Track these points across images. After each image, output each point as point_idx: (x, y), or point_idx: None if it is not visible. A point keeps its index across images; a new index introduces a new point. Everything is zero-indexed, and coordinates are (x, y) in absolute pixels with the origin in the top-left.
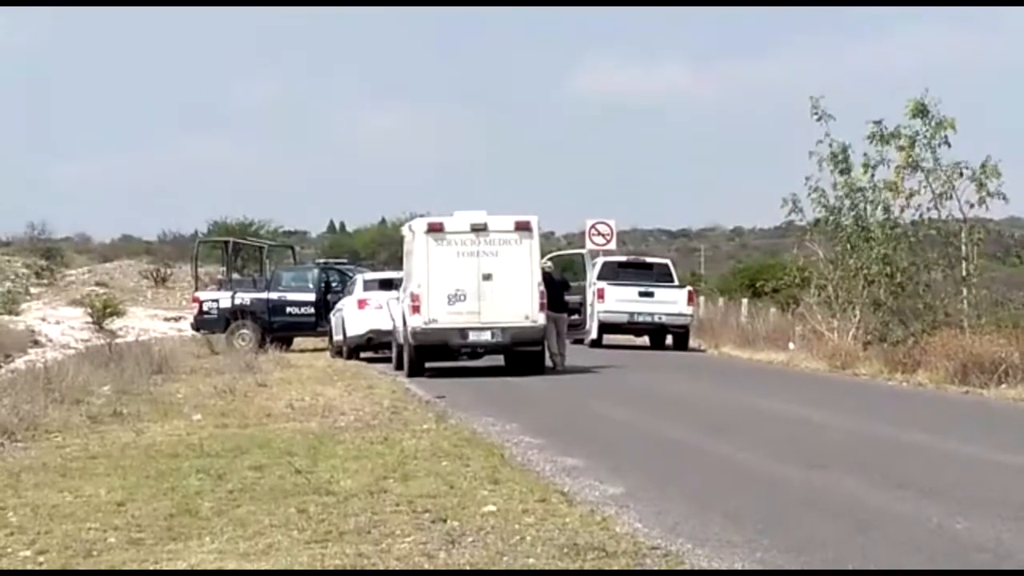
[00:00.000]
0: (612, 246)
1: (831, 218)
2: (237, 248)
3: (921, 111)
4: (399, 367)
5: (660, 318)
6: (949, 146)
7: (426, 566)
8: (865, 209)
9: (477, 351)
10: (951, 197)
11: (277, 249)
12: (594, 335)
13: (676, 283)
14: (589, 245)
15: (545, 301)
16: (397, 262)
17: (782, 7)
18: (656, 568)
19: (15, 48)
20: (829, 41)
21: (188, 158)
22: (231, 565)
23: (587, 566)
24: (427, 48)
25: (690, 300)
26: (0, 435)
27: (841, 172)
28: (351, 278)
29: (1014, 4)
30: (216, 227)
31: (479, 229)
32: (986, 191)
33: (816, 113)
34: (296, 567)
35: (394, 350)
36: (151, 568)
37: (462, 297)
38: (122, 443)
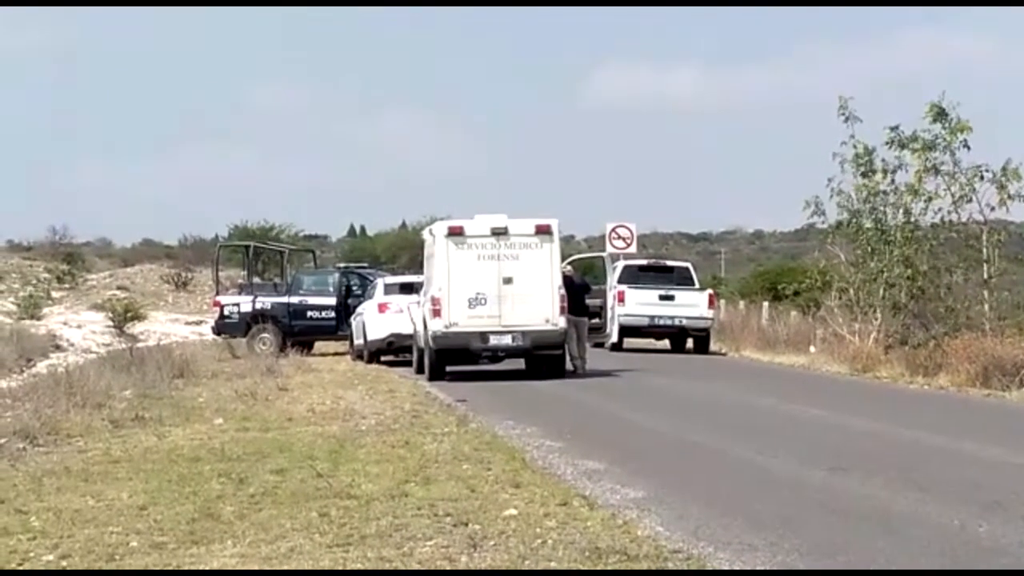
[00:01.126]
0: (632, 249)
1: (852, 221)
2: (258, 252)
3: (940, 114)
4: (420, 371)
5: (681, 321)
6: (968, 149)
7: (448, 570)
8: (885, 212)
9: (498, 355)
10: (971, 200)
11: (298, 253)
12: (615, 338)
13: (697, 286)
14: (609, 248)
15: (566, 304)
16: (417, 266)
17: (803, 7)
18: (677, 570)
19: (36, 54)
20: (849, 44)
21: (209, 163)
22: (253, 568)
23: (609, 570)
24: (447, 53)
25: (711, 303)
26: (22, 439)
27: (864, 175)
28: (371, 282)
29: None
30: (237, 231)
31: (499, 233)
32: (1007, 194)
33: (843, 114)
34: (319, 571)
35: (415, 354)
36: (173, 570)
37: (483, 301)
38: (144, 447)
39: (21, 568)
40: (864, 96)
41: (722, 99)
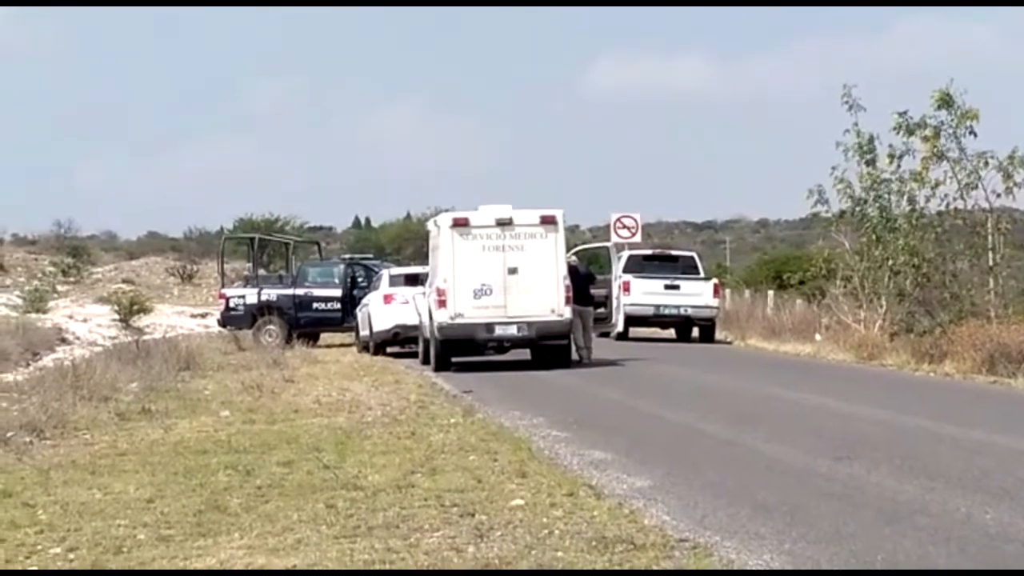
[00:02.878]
0: (637, 239)
1: (857, 209)
2: (263, 244)
3: (946, 102)
4: (425, 362)
5: (686, 310)
6: (975, 136)
7: (455, 560)
8: (890, 200)
9: (503, 345)
10: (977, 187)
11: (303, 245)
12: (620, 328)
13: (702, 275)
14: (614, 238)
15: (571, 295)
16: (423, 257)
17: None
18: (685, 561)
19: (41, 48)
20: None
21: (213, 156)
22: (260, 561)
23: (615, 559)
24: (450, 46)
25: (716, 292)
26: (29, 433)
27: (867, 163)
28: (377, 273)
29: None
30: (242, 223)
31: (504, 223)
32: (1012, 181)
33: (847, 102)
34: (325, 562)
35: (420, 345)
36: (181, 566)
37: (488, 291)
38: (150, 440)
39: (28, 561)
40: (868, 85)
41: (726, 88)
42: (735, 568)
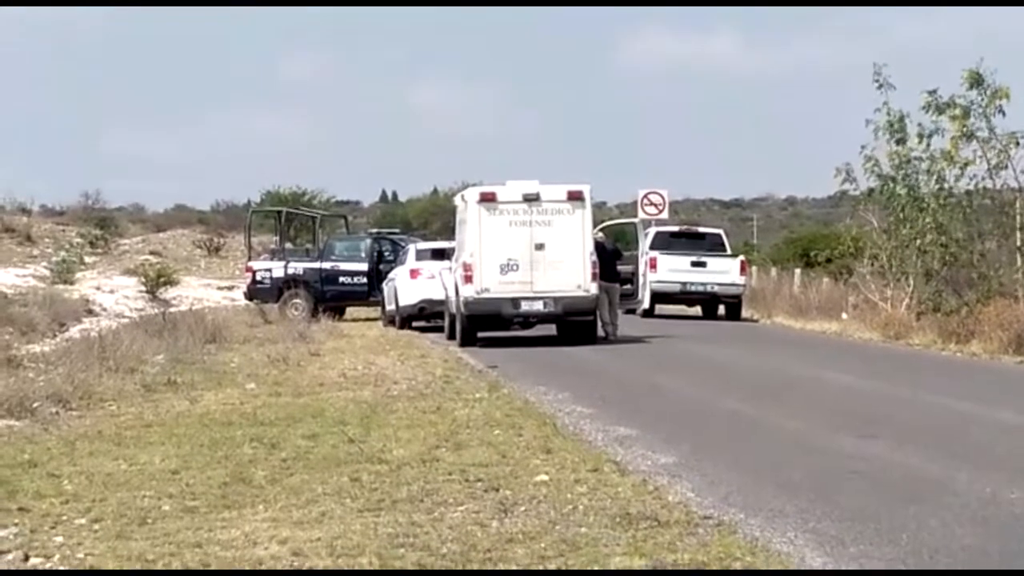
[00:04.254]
0: (664, 215)
1: (885, 188)
2: (290, 218)
3: (976, 80)
4: (451, 337)
5: (712, 288)
6: (1004, 115)
7: (479, 535)
8: (918, 179)
9: (529, 321)
10: (1006, 167)
11: (329, 219)
12: (646, 305)
13: (729, 253)
14: (641, 215)
15: (597, 271)
16: (449, 232)
17: None
18: (708, 538)
19: (70, 20)
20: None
21: (241, 129)
22: (284, 533)
23: (639, 535)
24: (480, 19)
25: (743, 270)
26: (55, 403)
27: (897, 141)
28: (403, 248)
29: None
30: (269, 197)
31: (531, 199)
32: None
33: (877, 80)
34: (349, 535)
35: (446, 320)
36: (205, 537)
37: (514, 267)
38: (176, 412)
39: (53, 531)
40: (899, 64)
41: (755, 65)
42: (760, 546)
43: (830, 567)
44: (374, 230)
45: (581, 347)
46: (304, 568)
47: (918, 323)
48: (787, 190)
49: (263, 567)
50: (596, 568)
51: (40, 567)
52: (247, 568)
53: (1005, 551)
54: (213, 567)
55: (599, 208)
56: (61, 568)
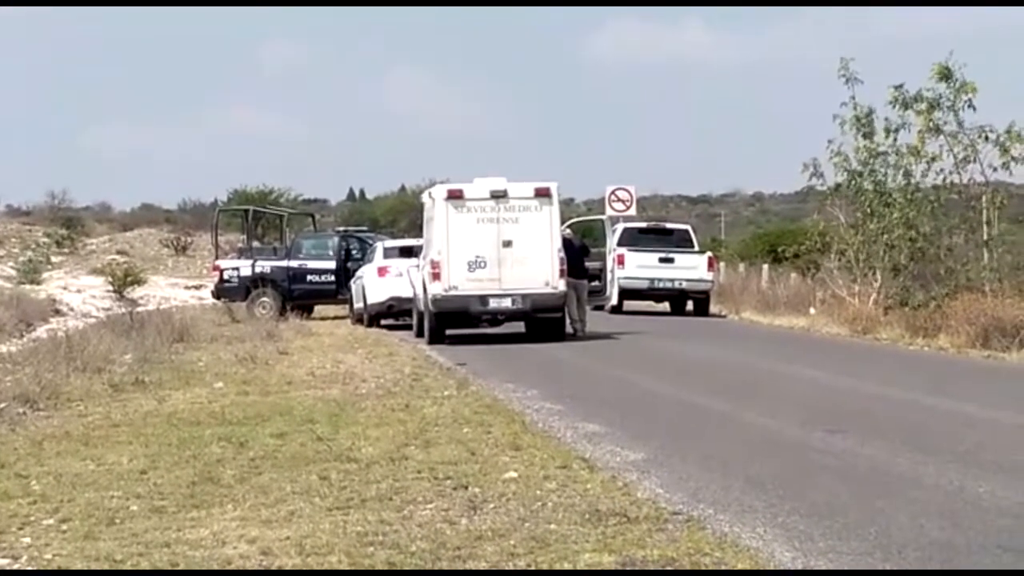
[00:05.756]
0: (632, 212)
1: (852, 183)
2: (257, 216)
3: (945, 75)
4: (419, 334)
5: (680, 284)
6: (974, 110)
7: (448, 533)
8: (886, 174)
9: (497, 318)
10: (974, 161)
11: (297, 217)
12: (614, 301)
13: (696, 249)
14: (609, 211)
15: (565, 267)
16: (417, 229)
17: None
18: (678, 534)
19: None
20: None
21: (208, 127)
22: (253, 532)
23: (609, 532)
24: (447, 14)
25: (710, 266)
26: (22, 404)
27: (864, 136)
28: (371, 246)
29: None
30: (236, 195)
31: (499, 196)
32: (1010, 156)
33: (844, 75)
34: (318, 534)
35: (414, 317)
36: (174, 537)
37: (482, 264)
38: (144, 411)
39: (21, 531)
40: (866, 58)
41: (722, 61)
42: (729, 541)
43: (799, 562)
44: (342, 228)
45: (549, 344)
46: (273, 568)
47: (885, 318)
48: (754, 186)
49: (232, 566)
50: (566, 566)
51: (7, 568)
52: (216, 568)
53: (973, 545)
54: (182, 567)
55: (567, 205)
56: (29, 569)
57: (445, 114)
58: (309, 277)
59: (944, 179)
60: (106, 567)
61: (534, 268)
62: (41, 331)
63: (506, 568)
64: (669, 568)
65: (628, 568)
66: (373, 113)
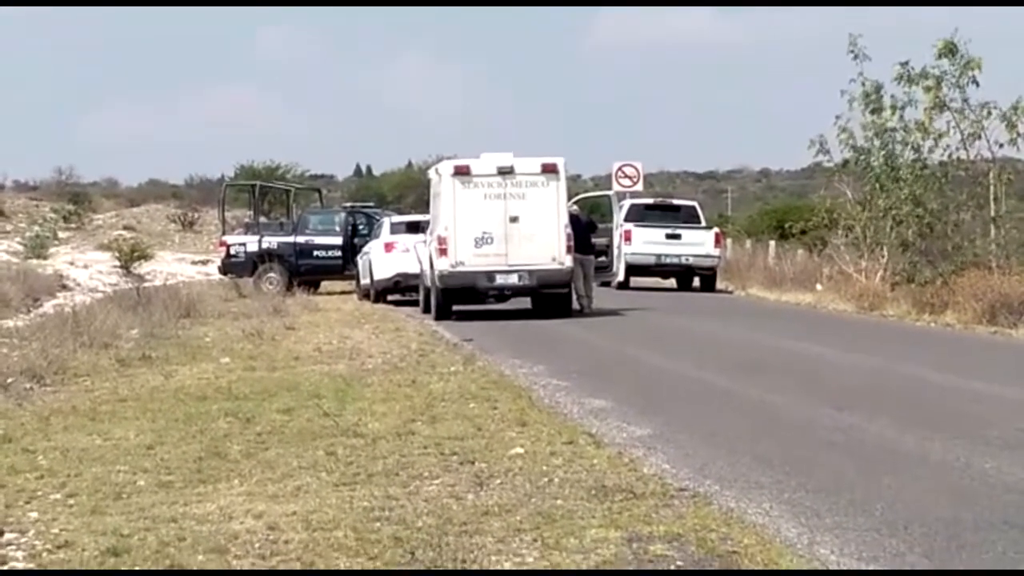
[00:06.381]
0: (639, 188)
1: (860, 158)
2: (264, 192)
3: (950, 50)
4: (426, 310)
5: (687, 260)
6: (978, 86)
7: (454, 508)
8: (894, 149)
9: (504, 294)
10: (980, 137)
11: (304, 193)
12: (621, 277)
13: (703, 225)
14: (616, 187)
15: (572, 243)
16: (424, 205)
17: None
18: (684, 509)
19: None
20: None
21: (216, 104)
22: (260, 507)
23: (615, 507)
24: None
25: (717, 242)
26: (29, 379)
27: (872, 112)
28: (378, 221)
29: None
30: (243, 171)
31: (506, 172)
32: (1016, 132)
33: (852, 51)
34: (325, 508)
35: (421, 293)
36: (181, 512)
37: (489, 240)
38: (151, 386)
39: (28, 506)
40: (876, 35)
41: (729, 37)
42: (735, 517)
43: (805, 537)
44: (348, 204)
45: (556, 320)
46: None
47: (892, 294)
48: (761, 162)
49: (238, 541)
50: (572, 541)
51: (16, 541)
52: (223, 543)
53: (979, 521)
54: (188, 541)
55: (573, 181)
56: (30, 569)
57: (452, 91)
58: (316, 253)
59: (951, 155)
60: (113, 542)
61: (541, 244)
62: (48, 306)
63: (512, 545)
64: (675, 544)
65: (634, 546)
66: (380, 89)
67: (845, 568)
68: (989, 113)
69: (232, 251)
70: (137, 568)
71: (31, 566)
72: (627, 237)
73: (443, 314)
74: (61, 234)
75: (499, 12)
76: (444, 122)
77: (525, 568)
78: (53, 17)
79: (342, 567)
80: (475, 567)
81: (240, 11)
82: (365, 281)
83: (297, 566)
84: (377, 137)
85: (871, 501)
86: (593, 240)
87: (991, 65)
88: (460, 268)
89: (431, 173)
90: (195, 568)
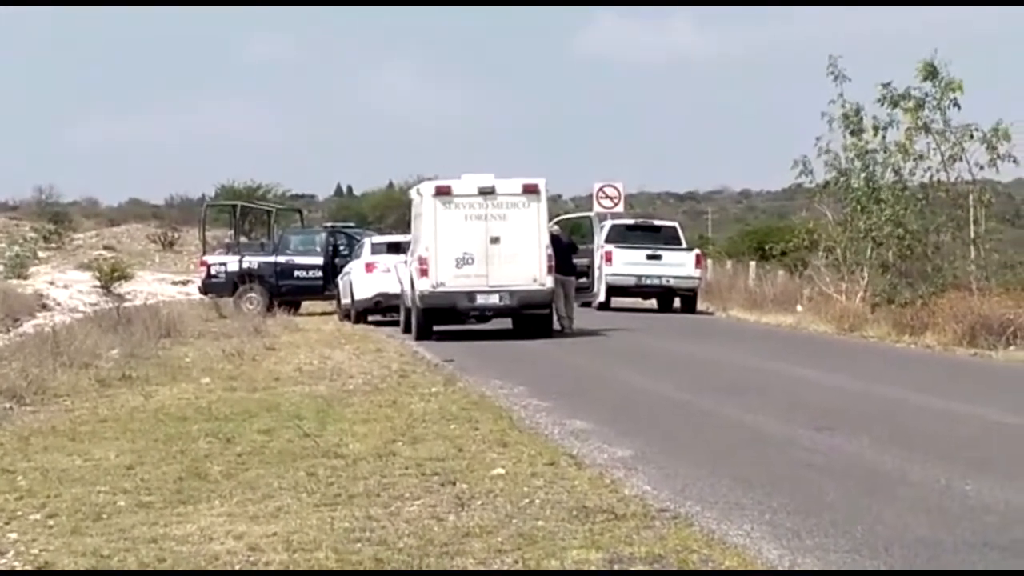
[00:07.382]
0: (620, 209)
1: (841, 179)
2: (245, 212)
3: (931, 72)
4: (407, 330)
5: (668, 281)
6: (959, 108)
7: (435, 529)
8: (875, 171)
9: (485, 314)
10: (960, 159)
11: (285, 213)
12: (602, 298)
13: (684, 246)
14: (597, 208)
15: (553, 264)
16: (405, 226)
17: None
18: (665, 531)
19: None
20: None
21: (195, 122)
22: (240, 528)
23: (596, 528)
24: (432, 14)
25: (698, 263)
26: (9, 399)
27: (852, 133)
28: (359, 241)
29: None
30: (223, 191)
31: (487, 192)
32: (996, 154)
33: (832, 72)
34: (306, 530)
35: (402, 313)
36: (161, 533)
37: (470, 260)
38: (131, 407)
39: (8, 526)
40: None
41: (710, 58)
42: (716, 538)
43: (786, 559)
44: (329, 224)
45: (537, 341)
46: (260, 565)
47: (872, 315)
48: (742, 183)
49: (219, 562)
50: (554, 562)
51: (5, 568)
52: (204, 564)
53: (959, 542)
54: (169, 563)
55: (554, 201)
56: (27, 569)
57: (433, 110)
58: (296, 273)
59: (931, 177)
60: (93, 563)
61: (522, 265)
62: (28, 326)
63: (493, 566)
64: (657, 566)
65: (616, 568)
66: (361, 109)
67: (834, 568)
68: (971, 136)
69: (212, 271)
70: None
71: None
72: (608, 258)
73: (424, 334)
74: (41, 253)
75: (477, 33)
76: (425, 143)
77: None
78: (29, 29)
79: None
80: None
81: (220, 29)
82: (346, 301)
83: None
84: (358, 157)
85: (851, 522)
86: (574, 261)
87: (972, 87)
88: (441, 288)
89: (412, 194)
90: None
